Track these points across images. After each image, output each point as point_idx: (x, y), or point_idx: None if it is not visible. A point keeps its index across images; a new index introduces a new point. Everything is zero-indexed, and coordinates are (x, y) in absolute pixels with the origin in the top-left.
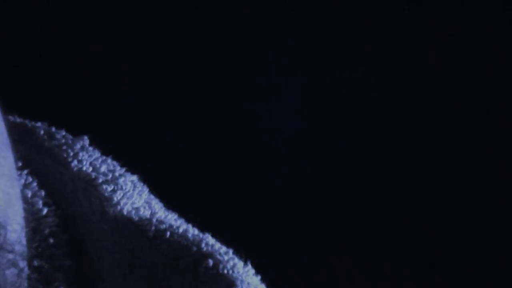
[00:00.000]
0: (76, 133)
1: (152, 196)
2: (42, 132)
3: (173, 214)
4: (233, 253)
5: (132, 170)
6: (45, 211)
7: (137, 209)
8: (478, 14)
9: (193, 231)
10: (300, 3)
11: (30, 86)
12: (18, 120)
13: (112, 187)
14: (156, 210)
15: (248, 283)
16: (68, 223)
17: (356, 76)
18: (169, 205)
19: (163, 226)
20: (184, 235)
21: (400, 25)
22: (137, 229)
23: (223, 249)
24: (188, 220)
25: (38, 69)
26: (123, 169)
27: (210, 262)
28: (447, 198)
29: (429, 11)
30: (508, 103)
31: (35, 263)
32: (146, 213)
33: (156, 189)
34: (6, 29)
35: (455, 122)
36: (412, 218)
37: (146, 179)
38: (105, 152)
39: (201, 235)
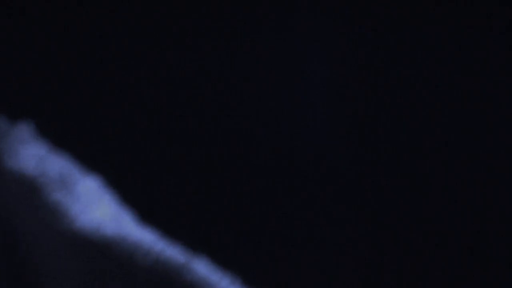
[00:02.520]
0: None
1: (120, 207)
2: None
3: (149, 230)
4: (231, 281)
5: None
6: None
7: (101, 224)
8: (478, 14)
9: (176, 254)
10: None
11: (30, 86)
12: None
13: (67, 195)
14: (127, 226)
15: None
16: (8, 242)
17: (355, 76)
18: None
19: (136, 247)
20: (165, 258)
21: (400, 25)
22: (103, 253)
23: (217, 276)
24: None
25: (38, 69)
26: (81, 171)
27: None
28: (447, 198)
29: (429, 10)
30: (508, 103)
31: None
32: (114, 230)
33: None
34: (6, 29)
35: (455, 122)
36: (412, 218)
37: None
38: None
39: (187, 258)
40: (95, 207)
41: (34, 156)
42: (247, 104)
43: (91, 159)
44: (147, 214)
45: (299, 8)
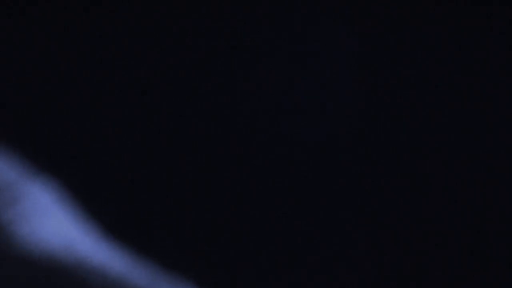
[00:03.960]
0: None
1: (74, 220)
2: None
3: (110, 250)
4: None
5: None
6: None
7: (52, 244)
8: (478, 14)
9: (143, 277)
10: None
11: (29, 86)
12: None
13: (13, 212)
14: (80, 243)
15: None
16: None
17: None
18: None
19: (94, 271)
20: (120, 282)
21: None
22: (54, 274)
23: None
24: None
25: (38, 69)
26: (30, 180)
27: None
28: (447, 198)
29: (429, 10)
30: (508, 103)
31: None
32: (66, 250)
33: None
34: (6, 29)
35: (455, 122)
36: (412, 218)
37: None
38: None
39: (146, 278)
40: (46, 222)
41: None
42: (245, 105)
43: (44, 165)
44: (109, 231)
45: (299, 8)
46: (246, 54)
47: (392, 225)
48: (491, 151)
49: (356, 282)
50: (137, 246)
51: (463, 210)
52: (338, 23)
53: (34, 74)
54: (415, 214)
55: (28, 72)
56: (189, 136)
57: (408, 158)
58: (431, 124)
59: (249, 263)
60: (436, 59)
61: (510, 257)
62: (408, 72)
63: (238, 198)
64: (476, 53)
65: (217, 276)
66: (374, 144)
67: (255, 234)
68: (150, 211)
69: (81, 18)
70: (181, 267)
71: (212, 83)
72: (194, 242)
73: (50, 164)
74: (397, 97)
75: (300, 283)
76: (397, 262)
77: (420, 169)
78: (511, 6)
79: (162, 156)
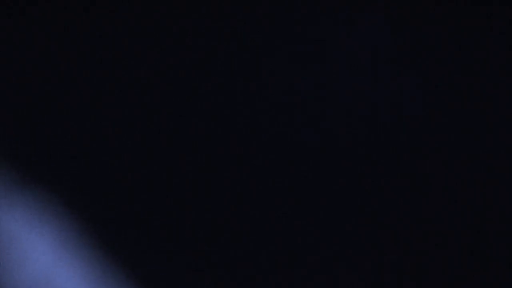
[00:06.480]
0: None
1: (62, 257)
2: None
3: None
4: None
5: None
6: None
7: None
8: (478, 14)
9: None
10: None
11: (30, 86)
12: None
13: None
14: (64, 279)
15: None
16: None
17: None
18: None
19: None
20: None
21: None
22: None
23: None
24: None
25: (38, 69)
26: (17, 194)
27: None
28: (447, 198)
29: (429, 10)
30: (508, 103)
31: None
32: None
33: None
34: (6, 29)
35: (455, 122)
36: (412, 218)
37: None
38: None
39: None
40: (24, 263)
41: None
42: (245, 105)
43: (42, 165)
44: (108, 232)
45: (299, 8)
46: (246, 54)
47: (392, 225)
48: (491, 151)
49: (356, 282)
50: (137, 246)
51: (463, 210)
52: (338, 23)
53: (34, 74)
54: (415, 214)
55: (28, 72)
56: (189, 136)
57: (408, 158)
58: (431, 124)
59: (249, 263)
60: (436, 59)
61: (510, 257)
62: (407, 72)
63: (238, 198)
64: (476, 53)
65: (217, 276)
66: (374, 144)
67: (255, 234)
68: (150, 211)
69: (81, 18)
70: (181, 267)
71: (212, 83)
72: (194, 242)
73: (49, 164)
74: (396, 97)
75: (300, 283)
76: (397, 262)
77: (420, 169)
78: (511, 6)
79: (162, 156)
